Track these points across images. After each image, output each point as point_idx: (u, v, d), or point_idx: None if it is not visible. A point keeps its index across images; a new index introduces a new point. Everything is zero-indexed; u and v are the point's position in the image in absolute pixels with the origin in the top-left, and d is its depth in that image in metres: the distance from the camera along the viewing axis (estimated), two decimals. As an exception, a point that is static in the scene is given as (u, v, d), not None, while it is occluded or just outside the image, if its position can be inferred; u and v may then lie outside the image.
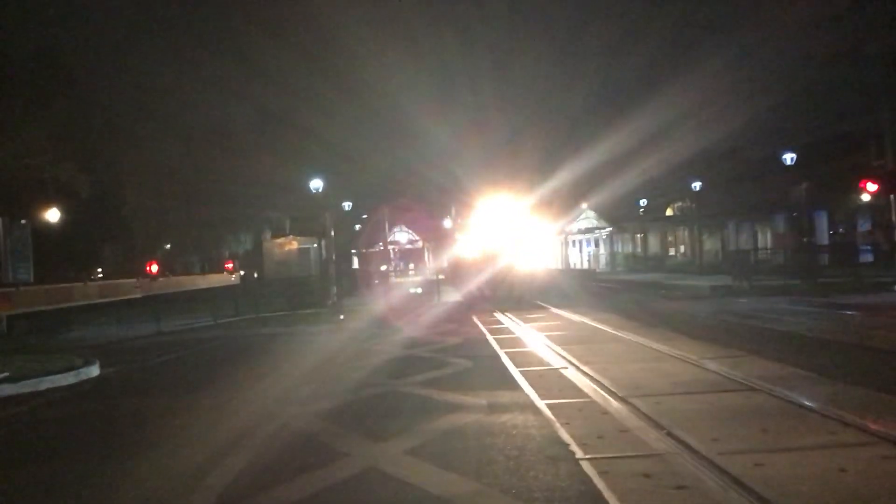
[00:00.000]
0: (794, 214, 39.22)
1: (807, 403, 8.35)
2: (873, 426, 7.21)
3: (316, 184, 31.21)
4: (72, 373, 13.91)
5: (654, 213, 59.78)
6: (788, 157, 33.76)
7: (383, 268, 46.94)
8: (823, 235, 41.21)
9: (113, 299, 32.11)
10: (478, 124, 45.73)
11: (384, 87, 42.11)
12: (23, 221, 20.37)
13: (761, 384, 9.42)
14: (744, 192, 45.50)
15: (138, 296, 34.38)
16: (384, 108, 43.12)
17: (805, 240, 35.36)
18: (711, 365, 11.11)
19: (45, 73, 32.74)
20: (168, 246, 55.87)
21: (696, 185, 48.69)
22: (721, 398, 8.91)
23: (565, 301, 25.59)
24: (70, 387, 13.28)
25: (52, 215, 31.63)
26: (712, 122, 38.94)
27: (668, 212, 61.06)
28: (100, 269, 46.87)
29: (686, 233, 59.54)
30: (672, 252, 61.54)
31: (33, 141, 31.55)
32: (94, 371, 14.49)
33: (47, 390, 12.86)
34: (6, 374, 13.23)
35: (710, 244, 54.97)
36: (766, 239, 48.86)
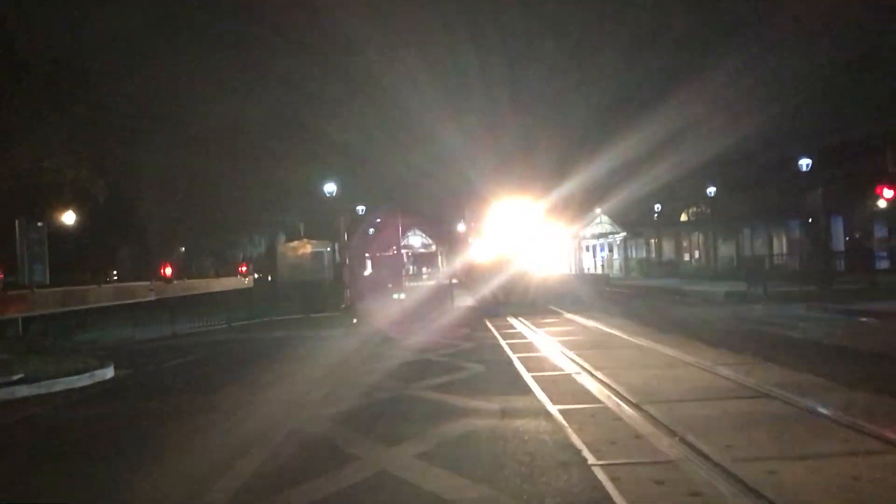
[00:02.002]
0: (810, 220, 38.96)
1: (821, 411, 8.29)
2: (888, 434, 7.14)
3: (330, 187, 31.29)
4: (86, 374, 13.98)
5: (669, 218, 59.53)
6: (804, 163, 33.56)
7: (397, 271, 46.90)
8: (839, 241, 40.88)
9: (127, 302, 32.26)
10: (492, 128, 45.70)
11: (398, 90, 42.17)
12: (39, 224, 20.53)
13: (776, 391, 9.36)
14: (759, 198, 45.27)
15: (152, 298, 34.54)
16: (398, 112, 43.16)
17: (820, 245, 35.12)
18: (725, 371, 11.05)
19: (62, 77, 32.93)
20: (182, 249, 56.11)
21: (711, 191, 48.48)
22: (735, 405, 8.86)
23: (579, 306, 25.53)
24: (84, 388, 13.35)
25: (68, 218, 31.82)
26: (728, 127, 38.73)
27: (683, 217, 60.81)
28: (115, 272, 47.11)
29: (701, 238, 59.28)
30: (687, 257, 61.28)
31: (50, 144, 31.74)
32: (109, 373, 14.56)
33: (62, 392, 12.93)
34: (21, 375, 13.31)
35: (725, 250, 54.68)
36: (781, 245, 48.58)
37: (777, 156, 40.68)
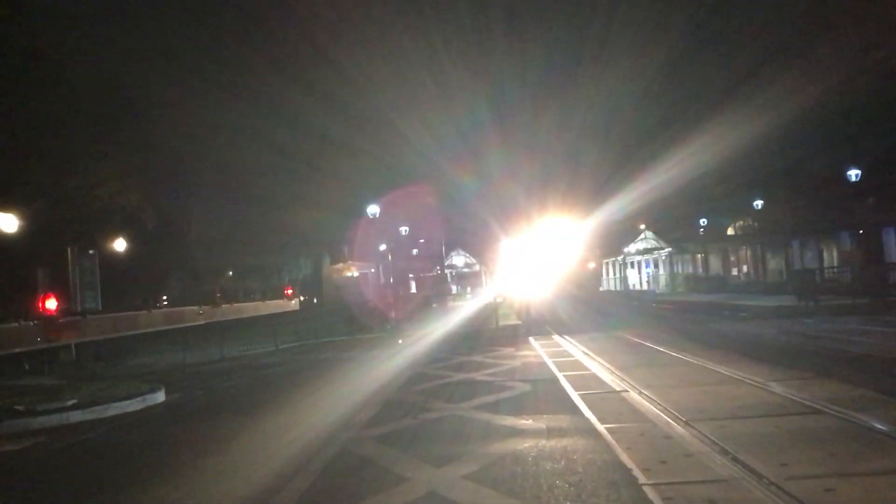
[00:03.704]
0: (861, 231, 38.17)
1: (878, 426, 8.09)
2: (950, 450, 6.94)
3: (373, 209, 31.52)
4: (138, 399, 14.22)
5: (715, 232, 58.77)
6: (853, 173, 32.93)
7: (441, 291, 47.08)
8: (892, 253, 39.94)
9: (178, 326, 32.79)
10: (537, 146, 45.66)
11: (445, 111, 42.43)
12: (91, 251, 20.96)
13: (829, 407, 9.16)
14: (808, 210, 44.48)
15: (202, 323, 35.05)
16: (446, 132, 43.38)
17: (873, 257, 34.37)
18: (777, 387, 10.84)
19: (112, 107, 33.81)
20: (230, 273, 56.94)
21: (758, 204, 47.79)
22: (788, 421, 8.68)
23: (625, 323, 25.28)
24: (137, 413, 13.58)
25: (119, 245, 32.54)
26: (775, 138, 38.19)
27: (730, 231, 59.98)
28: (165, 297, 47.95)
29: (748, 252, 58.40)
30: (734, 272, 60.36)
31: (101, 173, 32.60)
32: (160, 397, 14.79)
33: (114, 416, 13.16)
34: (75, 400, 13.58)
35: (774, 263, 53.78)
36: (832, 257, 47.63)
37: (826, 166, 39.99)
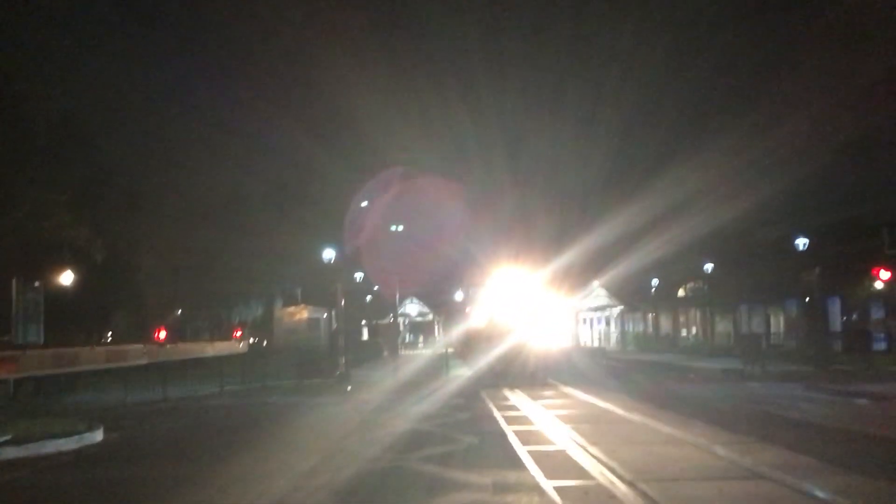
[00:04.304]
0: (807, 300, 38.96)
1: (818, 494, 8.17)
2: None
3: (328, 253, 31.35)
4: (74, 437, 13.79)
5: (666, 292, 59.54)
6: (801, 242, 33.74)
7: (392, 340, 46.74)
8: (836, 321, 40.77)
9: (120, 364, 31.98)
10: (491, 199, 46.13)
11: (395, 159, 42.71)
12: (36, 284, 20.46)
13: (772, 472, 9.23)
14: (756, 275, 45.30)
15: (144, 362, 34.26)
16: (397, 179, 43.62)
17: (818, 325, 35.06)
18: (721, 451, 10.92)
19: (65, 138, 33.41)
20: (179, 312, 55.99)
21: (708, 267, 48.61)
22: (731, 485, 8.74)
23: (575, 379, 25.36)
24: (73, 451, 13.15)
25: (66, 278, 31.82)
26: (724, 203, 39.06)
27: (681, 292, 60.82)
28: (110, 333, 46.88)
29: (697, 314, 59.19)
30: (684, 333, 61.06)
31: (50, 204, 32.01)
32: (98, 436, 14.37)
33: (50, 455, 12.74)
34: (8, 437, 13.13)
35: (722, 326, 54.53)
36: (778, 323, 48.46)
37: (774, 234, 40.95)
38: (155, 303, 46.83)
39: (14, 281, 19.26)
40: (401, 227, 41.23)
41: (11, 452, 12.51)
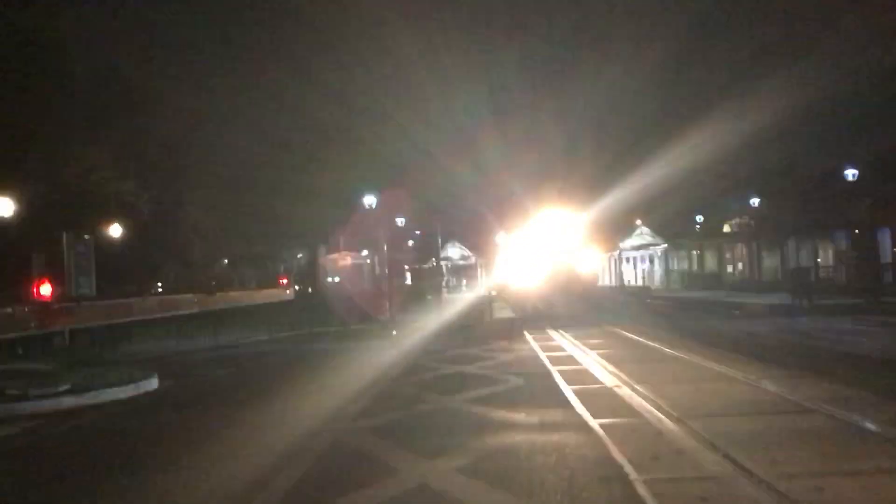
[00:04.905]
0: (857, 231, 38.18)
1: (869, 426, 8.12)
2: (940, 451, 6.97)
3: (370, 200, 31.44)
4: (131, 385, 14.18)
5: (712, 229, 58.81)
6: (850, 173, 32.96)
7: (436, 283, 46.98)
8: (887, 253, 39.97)
9: (172, 314, 32.71)
10: (534, 140, 45.66)
11: (442, 103, 42.38)
12: (86, 237, 20.92)
13: (822, 406, 9.18)
14: (805, 209, 44.49)
15: (196, 311, 34.97)
16: (442, 125, 43.33)
17: (867, 258, 34.41)
18: (770, 385, 10.87)
19: (108, 93, 33.69)
20: (225, 261, 56.84)
21: (755, 202, 47.82)
22: (780, 420, 8.71)
23: (619, 318, 25.31)
24: (129, 399, 13.54)
25: (115, 231, 32.44)
26: (774, 137, 38.23)
27: (726, 228, 60.00)
28: (159, 284, 47.81)
29: (744, 250, 58.44)
30: (730, 269, 60.40)
31: (97, 159, 32.51)
32: (154, 384, 14.76)
33: (107, 402, 13.13)
34: (68, 385, 13.55)
35: (770, 261, 53.82)
36: (827, 257, 47.67)
37: (824, 166, 40.04)
38: (202, 254, 47.53)
39: (65, 234, 19.71)
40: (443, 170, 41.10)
41: (70, 401, 12.90)
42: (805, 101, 36.33)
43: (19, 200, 22.58)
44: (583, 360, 15.44)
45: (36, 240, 22.54)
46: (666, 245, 64.07)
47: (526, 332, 22.38)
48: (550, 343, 19.43)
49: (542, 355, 16.67)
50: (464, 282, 76.64)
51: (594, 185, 38.98)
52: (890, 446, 7.33)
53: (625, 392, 11.19)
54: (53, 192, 29.94)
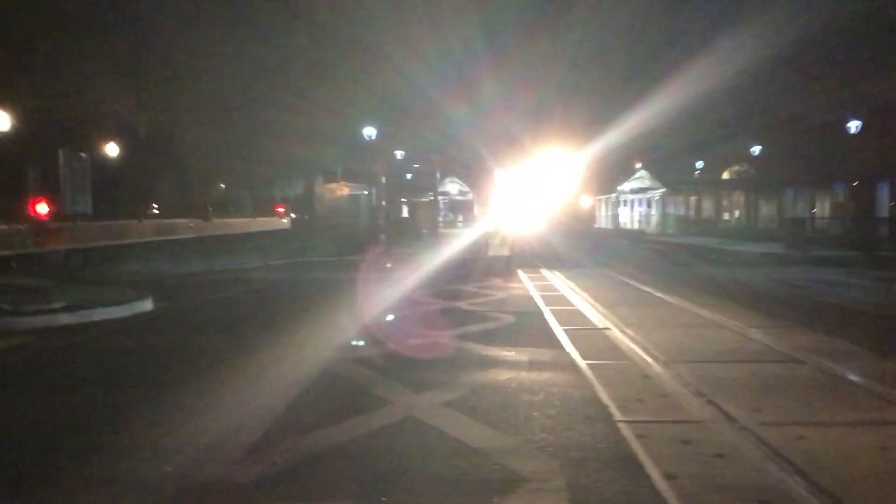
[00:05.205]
0: (855, 184, 38.13)
1: (853, 378, 8.23)
2: (921, 406, 7.08)
3: (369, 131, 31.24)
4: (125, 305, 14.28)
5: (710, 175, 58.66)
6: (853, 125, 32.74)
7: (432, 217, 47.08)
8: (884, 207, 40.01)
9: (168, 238, 32.71)
10: (532, 77, 44.98)
11: (438, 36, 41.61)
12: (83, 154, 20.77)
13: (808, 356, 9.29)
14: (805, 159, 44.35)
15: (192, 236, 34.96)
16: (438, 58, 42.65)
17: (864, 210, 34.43)
18: (757, 334, 10.98)
19: (105, 8, 33.05)
20: (222, 186, 56.55)
21: (756, 149, 47.60)
22: (765, 368, 8.82)
23: (614, 261, 25.41)
24: (124, 319, 13.64)
25: (111, 150, 32.20)
26: (776, 86, 37.80)
27: (725, 175, 59.88)
28: (155, 206, 47.67)
29: (742, 197, 58.43)
30: (726, 216, 60.50)
31: (93, 75, 32.03)
32: (148, 305, 14.85)
33: (101, 322, 13.22)
34: (63, 303, 13.62)
35: (766, 210, 53.91)
36: (824, 208, 47.71)
37: (825, 117, 39.69)
38: (199, 176, 47.26)
39: (61, 150, 19.58)
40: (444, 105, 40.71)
41: (65, 318, 13.00)
42: (810, 50, 35.75)
43: (14, 114, 22.33)
44: (575, 301, 15.55)
45: (31, 155, 22.38)
46: (663, 190, 63.98)
47: (520, 271, 22.47)
48: (544, 283, 19.52)
49: (535, 294, 16.78)
50: (460, 217, 76.66)
51: (593, 123, 38.63)
52: (872, 398, 7.44)
53: (614, 334, 11.30)
54: (49, 106, 29.59)
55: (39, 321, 12.72)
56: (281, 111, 45.13)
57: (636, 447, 5.99)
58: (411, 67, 41.30)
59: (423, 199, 60.04)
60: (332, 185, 48.70)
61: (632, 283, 19.11)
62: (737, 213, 59.66)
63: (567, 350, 10.09)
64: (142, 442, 6.44)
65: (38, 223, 18.76)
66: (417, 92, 44.54)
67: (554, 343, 10.70)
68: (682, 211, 64.43)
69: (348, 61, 43.72)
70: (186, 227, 36.14)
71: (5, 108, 21.46)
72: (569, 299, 15.97)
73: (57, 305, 13.49)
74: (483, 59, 41.93)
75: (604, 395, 7.58)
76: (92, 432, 6.78)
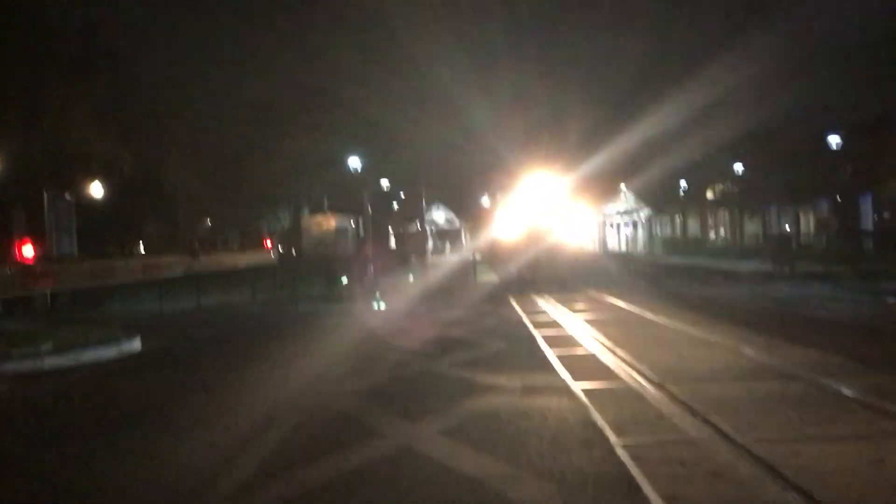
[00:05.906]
0: (839, 199, 38.44)
1: (846, 393, 8.24)
2: (915, 417, 7.09)
3: (354, 162, 31.28)
4: (114, 346, 14.16)
5: (694, 195, 59.02)
6: (834, 141, 33.10)
7: (420, 246, 47.01)
8: (868, 220, 40.32)
9: (156, 277, 32.51)
10: (519, 103, 45.31)
11: (424, 62, 41.88)
12: (67, 196, 20.70)
13: (800, 372, 9.31)
14: (787, 176, 44.68)
15: (179, 273, 34.77)
16: (425, 86, 42.91)
17: (848, 224, 34.69)
18: (750, 352, 11.00)
19: (89, 50, 33.13)
20: (208, 222, 56.43)
21: (739, 168, 47.95)
22: (759, 385, 8.82)
23: (602, 284, 25.46)
24: (112, 360, 13.52)
25: (96, 190, 32.09)
26: (756, 103, 38.20)
27: (709, 194, 60.24)
28: (142, 243, 47.44)
29: (727, 216, 58.75)
30: (712, 235, 60.81)
31: (77, 116, 32.01)
32: (136, 345, 14.75)
33: (90, 363, 13.10)
34: (49, 346, 13.49)
35: (752, 227, 54.18)
36: (808, 223, 48.02)
37: (806, 132, 40.13)
38: (185, 213, 47.17)
39: (45, 193, 19.51)
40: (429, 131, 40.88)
41: (53, 361, 12.88)
42: (789, 66, 36.25)
43: (-1, 159, 22.28)
44: (566, 325, 15.54)
45: (16, 198, 22.30)
46: (649, 210, 64.30)
47: (510, 297, 22.47)
48: (534, 308, 19.52)
49: (526, 319, 16.77)
50: (448, 245, 76.68)
51: (580, 149, 38.91)
52: (866, 412, 7.45)
53: (607, 357, 11.29)
54: (32, 150, 29.54)
55: (26, 365, 12.58)
56: (267, 143, 45.22)
57: (634, 470, 5.95)
58: (398, 94, 41.52)
59: (410, 230, 60.03)
60: (318, 217, 48.64)
61: (622, 304, 19.14)
62: (722, 232, 59.97)
63: (560, 374, 10.06)
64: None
65: (24, 267, 18.61)
66: (404, 122, 44.77)
67: (546, 367, 10.68)
68: (668, 231, 64.71)
69: (335, 91, 43.88)
70: (175, 264, 35.96)
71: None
72: (560, 323, 15.96)
73: (44, 348, 13.34)
74: (471, 89, 42.24)
75: (599, 419, 7.55)
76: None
